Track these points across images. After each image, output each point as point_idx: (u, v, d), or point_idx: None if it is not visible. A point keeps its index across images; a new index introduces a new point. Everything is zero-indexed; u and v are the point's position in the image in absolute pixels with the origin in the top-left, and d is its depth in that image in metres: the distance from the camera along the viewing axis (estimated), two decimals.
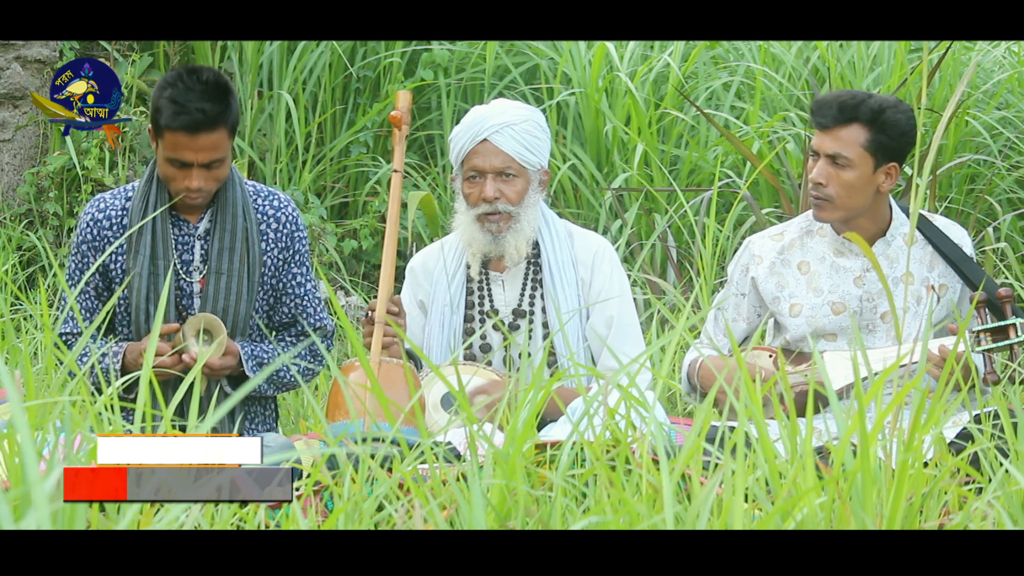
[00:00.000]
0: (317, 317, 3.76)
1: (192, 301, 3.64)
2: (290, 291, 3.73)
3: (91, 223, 3.66)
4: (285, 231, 3.72)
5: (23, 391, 2.53)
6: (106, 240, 3.65)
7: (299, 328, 3.76)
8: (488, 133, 3.76)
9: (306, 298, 3.75)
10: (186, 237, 3.64)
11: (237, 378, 3.63)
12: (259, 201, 3.71)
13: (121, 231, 3.65)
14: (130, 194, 3.67)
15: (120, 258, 3.63)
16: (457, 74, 7.01)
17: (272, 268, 3.70)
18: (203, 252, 3.63)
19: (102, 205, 3.67)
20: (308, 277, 3.76)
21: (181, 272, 3.62)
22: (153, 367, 3.45)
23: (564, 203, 6.41)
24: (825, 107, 3.59)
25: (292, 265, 3.73)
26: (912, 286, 3.70)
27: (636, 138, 6.35)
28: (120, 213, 3.66)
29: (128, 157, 6.44)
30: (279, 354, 3.68)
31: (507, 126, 3.76)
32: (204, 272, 3.64)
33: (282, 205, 3.72)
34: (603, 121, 6.59)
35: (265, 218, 3.70)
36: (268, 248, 3.69)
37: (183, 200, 3.57)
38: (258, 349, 3.64)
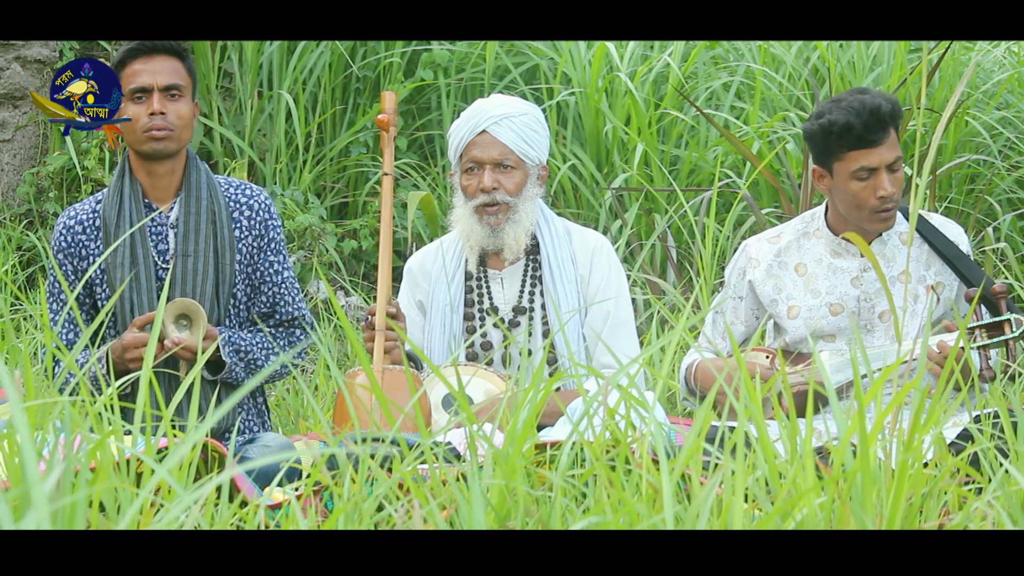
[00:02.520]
0: (296, 306, 3.76)
1: (172, 289, 3.64)
2: (267, 279, 3.72)
3: (64, 231, 3.68)
4: (259, 218, 3.71)
5: (23, 391, 2.53)
6: (80, 244, 3.67)
7: (278, 318, 3.75)
8: (487, 124, 3.76)
9: (283, 286, 3.74)
10: (159, 227, 3.65)
11: (214, 364, 3.63)
12: (231, 190, 3.72)
13: (94, 232, 3.67)
14: (99, 198, 3.70)
15: (97, 259, 3.64)
16: (457, 74, 7.01)
17: (247, 256, 3.70)
18: (176, 239, 3.64)
19: (72, 212, 3.71)
20: (285, 265, 3.75)
21: (159, 261, 3.63)
22: (136, 360, 3.46)
23: (564, 203, 6.41)
24: (872, 125, 3.55)
25: (268, 253, 3.73)
26: (909, 284, 3.70)
27: (636, 138, 6.35)
28: (91, 216, 3.68)
29: None
30: (255, 343, 3.67)
31: (506, 118, 3.77)
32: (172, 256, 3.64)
33: (254, 194, 3.73)
34: (603, 121, 6.59)
35: (238, 205, 3.71)
36: (242, 235, 3.69)
37: (148, 136, 3.60)
38: (235, 336, 3.64)
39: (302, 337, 3.77)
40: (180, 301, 3.53)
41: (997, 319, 3.55)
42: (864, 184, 3.60)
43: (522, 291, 3.87)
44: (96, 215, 3.68)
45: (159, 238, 3.64)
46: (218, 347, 3.58)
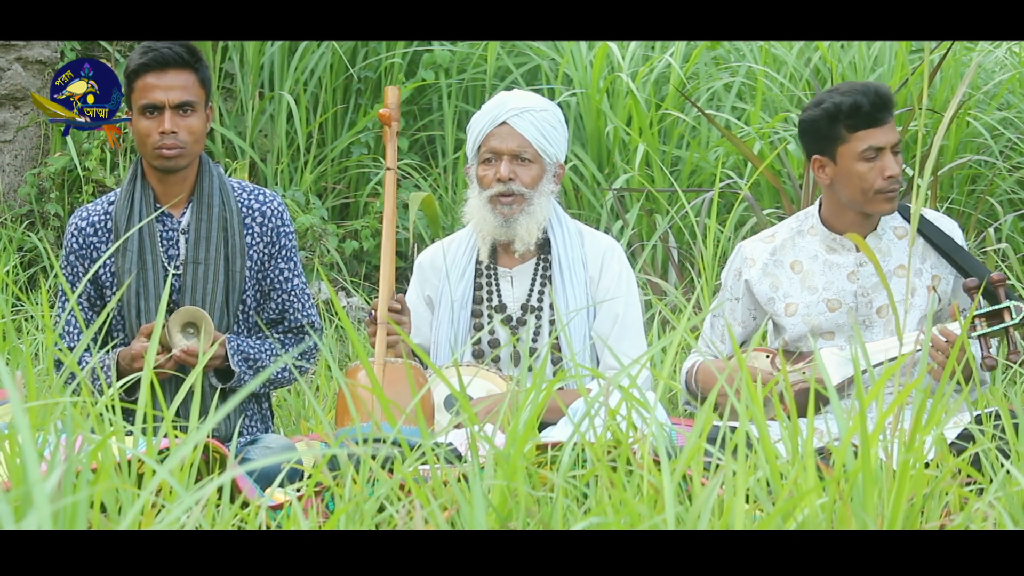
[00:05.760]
0: (305, 313, 3.75)
1: (181, 296, 3.63)
2: (277, 286, 3.72)
3: (76, 232, 3.67)
4: (271, 225, 3.70)
5: (24, 392, 2.53)
6: (92, 247, 3.65)
7: (287, 325, 3.74)
8: (508, 116, 3.78)
9: (293, 293, 3.73)
10: (170, 232, 3.64)
11: (222, 371, 3.62)
12: (244, 195, 3.70)
13: (106, 235, 3.65)
14: (112, 199, 3.68)
15: (109, 262, 3.63)
16: (458, 75, 7.01)
17: (258, 263, 3.69)
18: (187, 246, 3.63)
19: (84, 214, 3.69)
20: (296, 272, 3.74)
21: (169, 267, 3.62)
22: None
23: (566, 204, 6.41)
24: (879, 104, 3.61)
25: (279, 260, 3.71)
26: (905, 278, 3.71)
27: (637, 139, 6.35)
28: (103, 218, 3.66)
29: (128, 157, 6.45)
30: (264, 349, 3.66)
31: (527, 111, 3.78)
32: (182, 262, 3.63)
33: (267, 200, 3.71)
34: (604, 122, 6.59)
35: (250, 212, 3.69)
36: (253, 242, 3.68)
37: (159, 154, 3.57)
38: (244, 344, 3.63)
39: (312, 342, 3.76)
40: (185, 310, 3.52)
41: (996, 307, 3.55)
42: (872, 165, 3.62)
43: (531, 289, 3.87)
44: (108, 217, 3.66)
45: (170, 243, 3.63)
46: (227, 355, 3.57)
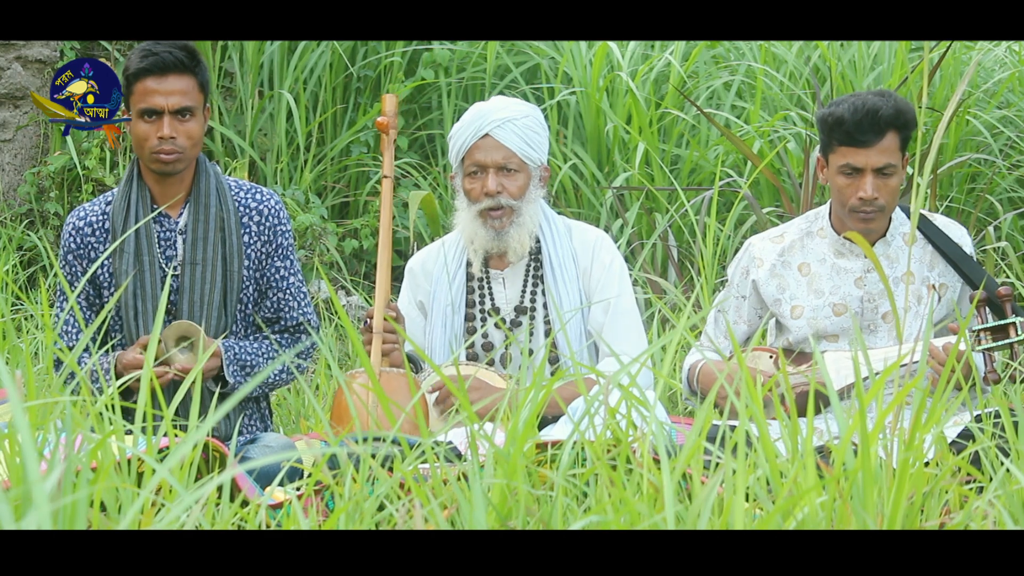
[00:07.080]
0: (301, 311, 3.75)
1: (180, 296, 3.63)
2: (274, 284, 3.71)
3: (73, 232, 3.67)
4: (268, 224, 3.70)
5: (24, 391, 2.53)
6: (90, 247, 3.66)
7: (283, 324, 3.74)
8: (490, 128, 3.75)
9: (289, 291, 3.73)
10: (168, 233, 3.64)
11: (220, 376, 3.62)
12: (241, 194, 3.70)
13: (104, 235, 3.65)
14: (110, 199, 3.68)
15: (107, 262, 3.63)
16: (458, 74, 7.01)
17: (255, 261, 3.69)
18: (185, 246, 3.64)
19: (82, 214, 3.69)
20: (292, 271, 3.74)
21: (167, 268, 3.62)
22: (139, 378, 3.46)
23: (565, 203, 6.41)
24: (864, 125, 3.55)
25: (275, 259, 3.71)
26: (912, 285, 3.70)
27: (637, 137, 6.35)
28: (101, 218, 3.67)
29: (128, 157, 6.45)
30: (261, 352, 3.66)
31: (508, 121, 3.76)
32: (180, 263, 3.63)
33: (264, 198, 3.71)
34: (604, 120, 6.59)
35: (247, 211, 3.69)
36: (251, 241, 3.68)
37: (157, 159, 3.57)
38: (240, 350, 3.62)
39: (308, 340, 3.76)
40: (177, 325, 3.51)
41: (1002, 322, 3.54)
42: (849, 181, 3.62)
43: (524, 290, 3.86)
44: (106, 217, 3.67)
45: (167, 244, 3.63)
46: (223, 365, 3.57)
